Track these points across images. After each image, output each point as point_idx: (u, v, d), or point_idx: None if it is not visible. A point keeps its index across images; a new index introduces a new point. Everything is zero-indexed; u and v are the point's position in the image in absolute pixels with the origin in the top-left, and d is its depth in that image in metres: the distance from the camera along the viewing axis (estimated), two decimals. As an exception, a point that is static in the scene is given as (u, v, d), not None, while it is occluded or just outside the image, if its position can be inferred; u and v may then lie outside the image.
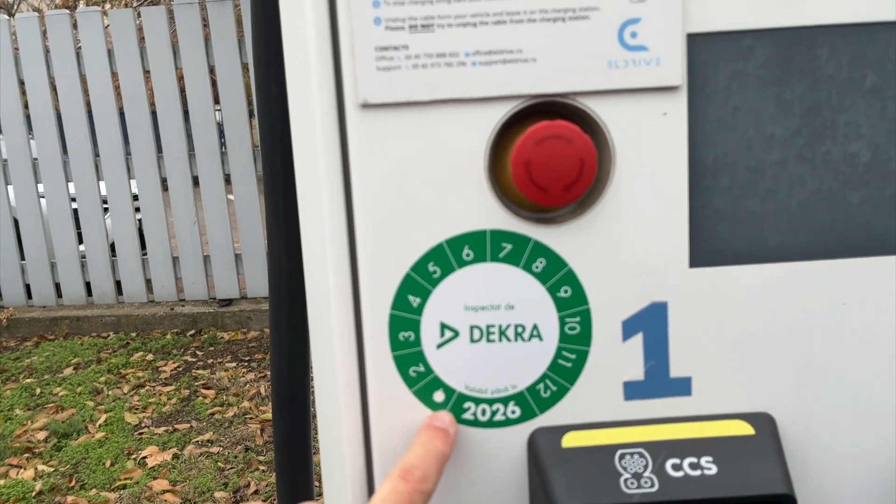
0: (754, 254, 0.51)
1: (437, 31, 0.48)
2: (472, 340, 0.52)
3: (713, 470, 0.49)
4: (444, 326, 0.51)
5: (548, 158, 0.47)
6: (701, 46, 0.49)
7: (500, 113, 0.49)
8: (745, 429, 0.52)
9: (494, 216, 0.50)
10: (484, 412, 0.53)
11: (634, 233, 0.51)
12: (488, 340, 0.52)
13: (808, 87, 0.50)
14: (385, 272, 0.51)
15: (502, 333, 0.52)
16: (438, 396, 0.52)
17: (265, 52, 0.74)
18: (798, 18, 0.49)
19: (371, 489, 0.54)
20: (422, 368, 0.52)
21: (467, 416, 0.53)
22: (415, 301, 0.51)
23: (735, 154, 0.50)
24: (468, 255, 0.51)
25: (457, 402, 0.52)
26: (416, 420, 0.52)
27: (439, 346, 0.52)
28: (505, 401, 0.52)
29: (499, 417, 0.53)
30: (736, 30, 0.49)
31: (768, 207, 0.51)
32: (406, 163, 0.49)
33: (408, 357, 0.52)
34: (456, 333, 0.52)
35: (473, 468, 0.53)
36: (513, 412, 0.53)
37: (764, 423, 0.52)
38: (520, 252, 0.51)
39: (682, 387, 0.52)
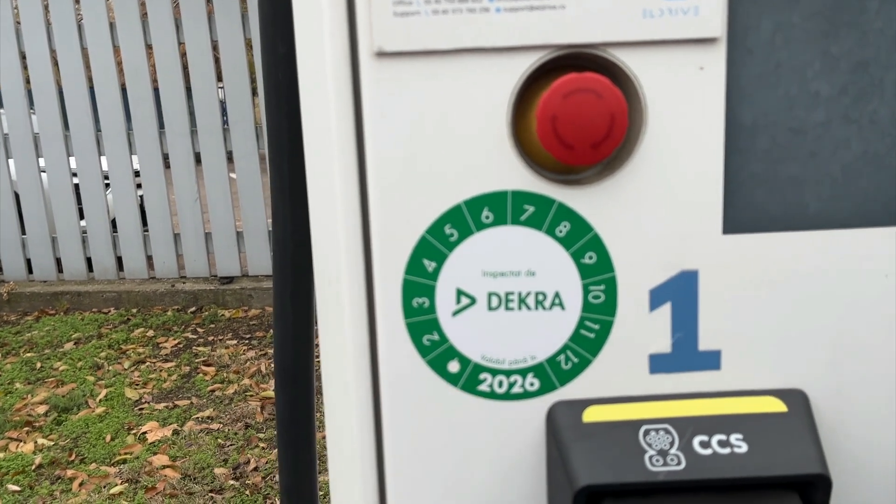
0: (792, 221, 0.48)
1: (459, -26, 0.45)
2: (490, 308, 0.49)
3: (743, 448, 0.47)
4: (460, 293, 0.48)
5: (575, 114, 0.44)
6: (742, -5, 0.46)
7: (526, 64, 0.46)
8: (776, 406, 0.49)
9: (516, 176, 0.47)
10: (501, 384, 0.50)
11: (665, 196, 0.47)
12: (507, 308, 0.49)
13: (856, 42, 0.46)
14: (399, 234, 0.48)
15: (522, 301, 0.49)
16: (453, 367, 0.49)
17: (272, 9, 0.71)
18: (847, -33, 0.45)
19: (381, 466, 0.52)
20: (436, 337, 0.49)
21: (483, 387, 0.50)
22: (430, 265, 0.48)
23: (776, 113, 0.47)
24: (487, 217, 0.48)
25: (472, 373, 0.49)
26: (430, 392, 0.50)
27: (455, 313, 0.49)
28: (523, 372, 0.49)
29: (516, 390, 0.50)
30: (780, -22, 0.45)
31: (809, 171, 0.48)
32: (423, 117, 0.46)
33: (422, 325, 0.49)
34: (473, 300, 0.49)
35: (489, 443, 0.50)
36: (531, 384, 0.50)
37: (797, 400, 0.49)
38: (543, 215, 0.48)
39: (711, 361, 0.49)
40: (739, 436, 0.47)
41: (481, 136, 0.47)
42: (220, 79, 4.87)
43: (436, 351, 0.49)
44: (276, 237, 0.80)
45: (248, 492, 2.79)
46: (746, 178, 0.47)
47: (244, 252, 5.11)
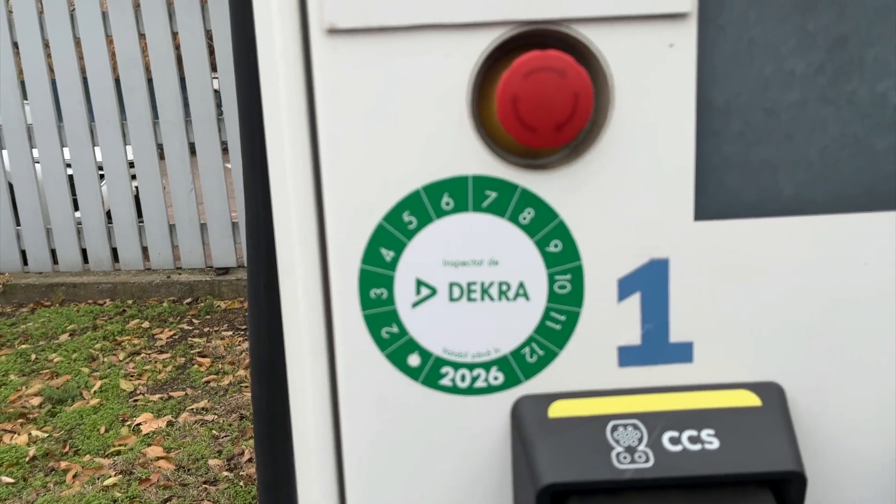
0: (767, 206, 0.46)
1: (414, -53, 0.42)
2: (452, 299, 0.46)
3: (714, 444, 0.45)
4: (420, 283, 0.46)
5: (537, 94, 0.42)
6: (713, -31, 0.43)
7: (486, 42, 0.44)
8: (751, 399, 0.47)
9: (478, 160, 0.45)
10: (464, 378, 0.48)
11: (634, 181, 0.45)
12: (469, 299, 0.46)
13: (833, 17, 0.44)
14: (355, 222, 0.45)
15: (485, 292, 0.46)
16: (413, 360, 0.47)
17: (240, -10, 0.68)
18: (824, -62, 0.43)
19: (340, 463, 0.50)
20: (395, 329, 0.47)
21: (445, 381, 0.48)
22: (388, 255, 0.46)
23: (749, 94, 0.45)
24: (448, 203, 0.45)
25: (433, 367, 0.47)
26: (389, 387, 0.47)
27: (415, 304, 0.46)
28: (487, 366, 0.47)
29: (480, 384, 0.48)
30: (753, -50, 0.43)
31: (784, 155, 0.45)
32: (378, 98, 0.44)
33: (380, 316, 0.47)
34: (433, 291, 0.46)
35: (452, 439, 0.48)
36: (495, 378, 0.48)
37: (772, 393, 0.47)
38: (505, 201, 0.45)
39: (683, 353, 0.47)
40: (711, 431, 0.45)
41: (440, 119, 0.44)
42: (214, 69, 4.83)
43: (395, 344, 0.47)
44: (249, 225, 0.78)
45: (242, 483, 2.78)
46: (719, 161, 0.45)
47: (240, 243, 5.09)
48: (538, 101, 0.42)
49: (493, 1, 0.43)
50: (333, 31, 0.43)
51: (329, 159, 0.45)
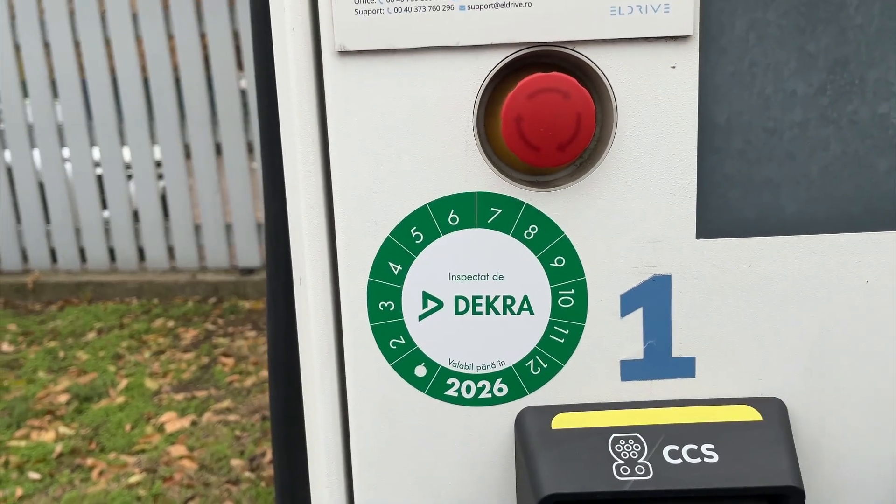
0: (768, 225, 0.46)
1: (422, -29, 0.44)
2: (457, 312, 0.48)
3: (714, 458, 0.45)
4: (426, 296, 0.47)
5: (541, 114, 0.43)
6: (715, -8, 0.44)
7: (491, 63, 0.45)
8: (751, 414, 0.47)
9: (483, 177, 0.46)
10: (469, 389, 0.49)
11: (636, 199, 0.46)
12: (474, 312, 0.48)
13: (834, 39, 0.44)
14: (364, 236, 0.47)
15: (490, 305, 0.48)
16: (420, 371, 0.49)
17: (260, 4, 0.70)
18: (826, -39, 0.44)
19: (349, 469, 0.51)
20: (402, 341, 0.48)
21: (451, 392, 0.49)
22: (395, 268, 0.47)
23: (750, 113, 0.45)
24: (454, 219, 0.47)
25: (439, 378, 0.49)
26: (397, 396, 0.49)
27: (421, 317, 0.48)
28: (491, 377, 0.49)
29: (485, 395, 0.49)
30: (755, -26, 0.44)
31: (786, 173, 0.46)
32: (387, 117, 0.45)
33: (387, 328, 0.48)
34: (439, 304, 0.48)
35: (457, 449, 0.49)
36: (500, 390, 0.49)
37: (773, 408, 0.47)
38: (510, 217, 0.46)
39: (685, 368, 0.48)
40: (710, 446, 0.46)
41: (447, 137, 0.46)
42: (241, 67, 4.88)
43: (402, 355, 0.48)
44: (268, 228, 0.80)
45: (263, 483, 2.81)
46: (720, 180, 0.46)
47: (264, 244, 5.13)
48: (542, 122, 0.43)
49: (499, 24, 0.44)
50: (343, 53, 0.44)
51: (339, 175, 0.46)
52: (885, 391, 0.48)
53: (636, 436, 0.46)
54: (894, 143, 0.45)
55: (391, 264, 0.47)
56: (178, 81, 4.94)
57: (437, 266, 0.47)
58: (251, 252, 5.18)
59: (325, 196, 0.47)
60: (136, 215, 5.26)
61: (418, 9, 0.44)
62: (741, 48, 0.44)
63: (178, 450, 3.08)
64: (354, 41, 0.44)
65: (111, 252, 5.31)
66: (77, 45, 4.97)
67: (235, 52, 4.85)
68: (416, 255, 0.47)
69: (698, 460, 0.45)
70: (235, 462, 2.97)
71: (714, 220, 0.46)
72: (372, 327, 0.48)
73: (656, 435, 0.46)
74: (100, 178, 5.16)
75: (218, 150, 5.02)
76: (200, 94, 4.91)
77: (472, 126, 0.45)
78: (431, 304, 0.48)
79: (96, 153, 5.12)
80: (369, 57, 0.44)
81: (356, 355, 0.48)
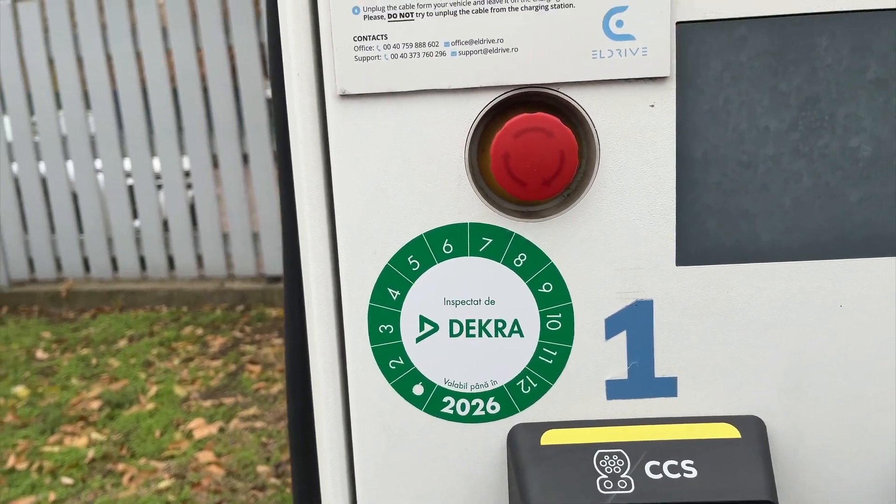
0: (745, 253, 0.49)
1: (416, 20, 0.47)
2: (452, 335, 0.51)
3: (693, 473, 0.48)
4: (423, 320, 0.51)
5: (527, 151, 0.46)
6: (691, 35, 0.47)
7: (481, 104, 0.48)
8: (730, 432, 0.50)
9: (475, 209, 0.49)
10: (463, 407, 0.52)
11: (619, 228, 0.49)
12: (468, 335, 0.51)
13: (805, 78, 0.47)
14: (364, 263, 0.50)
15: (482, 328, 0.51)
16: (418, 390, 0.52)
17: (276, 37, 0.74)
18: (795, 5, 0.46)
19: (353, 481, 0.54)
20: (401, 361, 0.51)
21: (447, 410, 0.52)
22: (394, 294, 0.51)
23: (726, 147, 0.48)
24: (448, 248, 0.50)
25: (436, 396, 0.52)
26: (396, 413, 0.52)
27: (419, 339, 0.51)
28: (485, 396, 0.52)
29: (478, 412, 0.52)
30: (728, 18, 0.47)
31: (761, 204, 0.49)
32: (385, 154, 0.49)
33: (387, 350, 0.51)
34: (435, 327, 0.51)
35: (453, 463, 0.53)
36: (492, 408, 0.52)
37: (751, 426, 0.50)
38: (501, 246, 0.50)
39: (667, 387, 0.51)
40: (690, 461, 0.49)
41: (441, 172, 0.49)
42: (267, 79, 4.96)
43: (401, 375, 0.52)
44: (285, 248, 0.84)
45: (288, 490, 2.86)
46: (698, 210, 0.49)
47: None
48: (527, 159, 0.46)
49: (487, 68, 0.47)
50: (344, 96, 0.48)
51: (342, 207, 0.50)
52: (859, 410, 0.51)
53: (620, 452, 0.49)
54: (864, 175, 0.48)
55: (390, 290, 0.50)
56: (206, 92, 5.03)
57: (432, 292, 0.50)
58: (278, 260, 5.24)
59: (329, 227, 0.51)
60: (165, 224, 5.35)
61: (413, 55, 0.47)
62: (716, 87, 0.47)
63: (205, 456, 3.14)
64: (354, 85, 0.48)
65: (142, 261, 5.42)
66: (109, 58, 5.09)
67: (262, 63, 4.93)
68: (414, 281, 0.50)
69: (678, 475, 0.48)
70: (261, 468, 3.02)
71: (693, 248, 0.49)
72: (373, 349, 0.51)
73: (639, 451, 0.49)
74: (131, 189, 5.27)
75: (245, 159, 5.10)
76: (228, 104, 4.99)
77: (464, 162, 0.49)
78: (428, 328, 0.51)
79: (127, 164, 5.23)
80: (369, 99, 0.48)
81: (358, 375, 0.52)
